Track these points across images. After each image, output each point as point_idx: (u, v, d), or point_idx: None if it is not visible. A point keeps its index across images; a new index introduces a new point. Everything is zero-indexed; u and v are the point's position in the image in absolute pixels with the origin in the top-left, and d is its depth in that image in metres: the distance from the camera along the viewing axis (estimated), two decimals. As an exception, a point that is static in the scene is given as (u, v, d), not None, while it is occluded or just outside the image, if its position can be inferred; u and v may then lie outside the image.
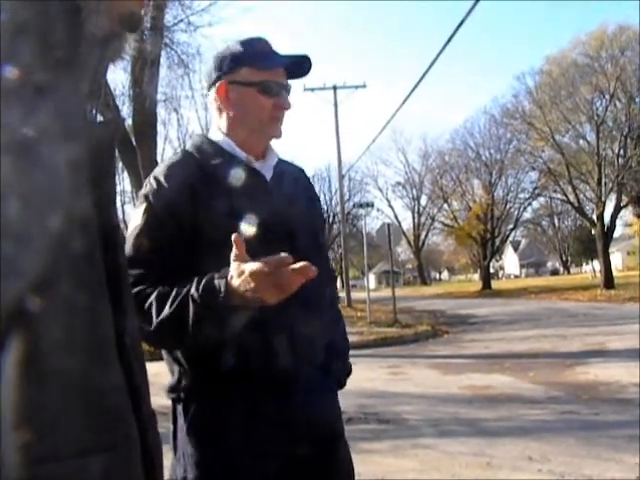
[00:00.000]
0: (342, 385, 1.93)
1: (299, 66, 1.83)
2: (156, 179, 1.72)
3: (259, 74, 1.76)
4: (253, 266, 1.40)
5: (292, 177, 1.90)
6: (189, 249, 1.64)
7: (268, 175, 1.81)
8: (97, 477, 0.68)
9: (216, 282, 1.48)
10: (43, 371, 0.65)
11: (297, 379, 1.67)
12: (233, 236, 1.42)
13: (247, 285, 1.42)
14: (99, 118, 0.83)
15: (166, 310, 1.53)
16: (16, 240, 0.61)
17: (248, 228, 1.62)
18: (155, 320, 1.53)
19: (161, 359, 1.75)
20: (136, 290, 1.55)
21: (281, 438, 1.66)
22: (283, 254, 1.39)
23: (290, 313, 1.61)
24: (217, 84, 1.79)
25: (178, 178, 1.70)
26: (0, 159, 0.60)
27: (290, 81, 1.84)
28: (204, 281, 1.51)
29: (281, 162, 1.90)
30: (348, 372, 1.96)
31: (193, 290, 1.51)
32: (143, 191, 1.74)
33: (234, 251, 1.44)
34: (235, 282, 1.44)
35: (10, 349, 0.63)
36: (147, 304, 1.56)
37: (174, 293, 1.55)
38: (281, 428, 1.66)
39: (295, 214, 1.78)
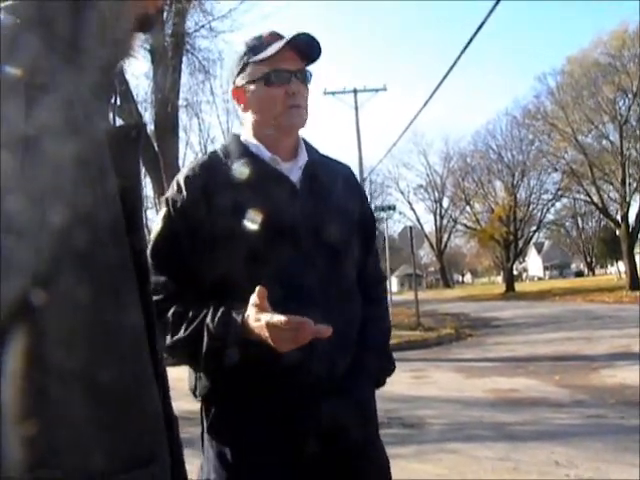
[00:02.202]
0: (379, 383, 1.88)
1: (306, 44, 1.72)
2: (177, 183, 1.73)
3: (263, 67, 1.71)
4: (270, 319, 1.43)
5: (328, 178, 1.80)
6: (206, 254, 1.64)
7: (294, 176, 1.74)
8: None
9: (233, 315, 1.53)
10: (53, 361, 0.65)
11: (309, 377, 1.61)
12: (257, 289, 1.45)
13: (261, 331, 1.46)
14: (119, 122, 0.84)
15: (181, 333, 1.59)
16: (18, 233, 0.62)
17: (260, 229, 1.61)
18: (169, 339, 1.59)
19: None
20: (155, 299, 1.54)
21: (297, 437, 1.62)
22: (306, 319, 1.41)
23: (293, 311, 1.57)
24: (231, 90, 1.80)
25: (197, 182, 1.69)
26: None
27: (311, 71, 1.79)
28: (220, 313, 1.56)
29: (317, 162, 1.81)
30: (384, 369, 1.88)
31: (209, 320, 1.56)
32: (166, 194, 1.75)
33: (254, 299, 1.47)
34: (251, 323, 1.48)
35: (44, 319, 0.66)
36: (164, 319, 1.59)
37: (190, 316, 1.60)
38: (296, 426, 1.62)
39: (318, 215, 1.71)
